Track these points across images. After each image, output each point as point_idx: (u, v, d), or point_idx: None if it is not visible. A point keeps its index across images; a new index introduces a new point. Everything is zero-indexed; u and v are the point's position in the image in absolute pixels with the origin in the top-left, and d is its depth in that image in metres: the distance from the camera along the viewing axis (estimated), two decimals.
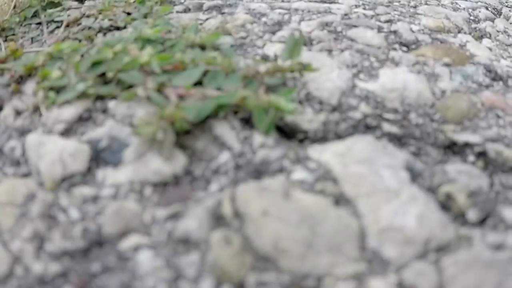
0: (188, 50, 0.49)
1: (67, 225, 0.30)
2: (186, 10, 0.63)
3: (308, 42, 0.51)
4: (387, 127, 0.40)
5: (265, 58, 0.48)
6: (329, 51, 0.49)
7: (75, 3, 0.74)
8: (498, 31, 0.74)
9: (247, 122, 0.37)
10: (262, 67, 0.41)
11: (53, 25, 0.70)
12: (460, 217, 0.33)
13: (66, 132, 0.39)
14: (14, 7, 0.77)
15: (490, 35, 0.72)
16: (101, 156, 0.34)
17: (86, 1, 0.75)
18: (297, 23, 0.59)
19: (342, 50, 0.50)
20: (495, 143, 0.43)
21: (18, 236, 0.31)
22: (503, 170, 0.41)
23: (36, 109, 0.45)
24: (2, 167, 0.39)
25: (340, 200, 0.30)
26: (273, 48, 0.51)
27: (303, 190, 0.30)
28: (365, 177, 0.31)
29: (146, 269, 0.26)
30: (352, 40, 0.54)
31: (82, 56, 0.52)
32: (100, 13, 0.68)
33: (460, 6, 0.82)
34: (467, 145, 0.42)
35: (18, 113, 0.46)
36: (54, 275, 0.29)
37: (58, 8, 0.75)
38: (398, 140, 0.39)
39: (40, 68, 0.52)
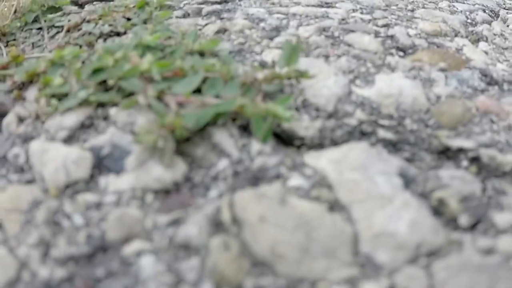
0: (188, 57, 0.50)
1: (71, 231, 0.32)
2: (185, 15, 0.65)
3: (305, 47, 0.52)
4: (382, 133, 0.41)
5: (263, 65, 0.50)
6: (326, 57, 0.51)
7: (75, 8, 0.76)
8: (494, 34, 0.75)
9: (245, 129, 0.39)
10: (260, 74, 0.43)
11: (54, 30, 0.72)
12: (452, 222, 0.35)
13: (69, 139, 0.41)
14: (15, 12, 0.78)
15: (486, 38, 0.73)
16: (104, 163, 0.36)
17: (86, 6, 0.76)
18: (295, 28, 0.60)
19: (339, 56, 0.52)
20: (489, 149, 0.44)
21: (24, 242, 0.32)
22: (496, 175, 0.42)
23: (39, 116, 0.47)
24: (7, 174, 0.41)
25: (335, 206, 0.31)
26: (271, 54, 0.52)
27: (299, 196, 0.32)
28: (360, 183, 0.33)
29: (149, 274, 0.27)
30: (349, 45, 0.55)
31: (83, 62, 0.54)
32: (100, 19, 0.69)
33: (457, 9, 0.84)
34: (461, 150, 0.43)
35: (21, 120, 0.48)
36: (60, 280, 0.30)
37: (59, 13, 0.76)
38: (393, 146, 0.41)
39: (42, 74, 0.53)
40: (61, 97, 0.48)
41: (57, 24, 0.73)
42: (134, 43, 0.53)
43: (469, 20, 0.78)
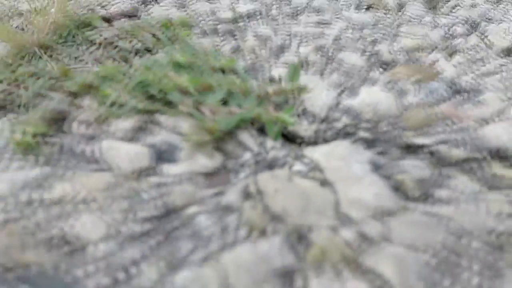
0: (212, 73, 0.71)
1: (145, 202, 0.52)
2: (204, 34, 0.85)
3: (305, 65, 0.73)
4: (361, 133, 0.62)
5: (272, 80, 0.70)
6: (321, 73, 0.71)
7: (105, 25, 0.96)
8: (469, 48, 0.96)
9: (262, 131, 0.60)
10: (270, 89, 0.64)
11: (88, 44, 0.92)
12: (407, 196, 0.56)
13: (129, 139, 0.61)
14: (51, 27, 0.98)
15: (462, 50, 0.94)
16: (161, 156, 0.56)
17: (114, 23, 0.96)
18: (296, 47, 0.81)
19: (331, 72, 0.72)
20: (444, 145, 0.65)
21: (109, 210, 0.53)
22: (449, 164, 0.63)
23: (99, 122, 0.67)
24: (77, 164, 0.61)
25: (324, 183, 0.52)
26: (278, 71, 0.73)
27: (301, 177, 0.52)
28: (342, 168, 0.53)
29: (203, 226, 0.48)
30: (340, 63, 0.76)
31: (124, 75, 0.74)
32: (130, 35, 0.89)
33: (439, 22, 1.04)
34: (422, 146, 0.64)
35: (83, 124, 0.68)
36: (140, 234, 0.51)
37: (91, 28, 0.97)
38: (369, 143, 0.62)
39: (94, 86, 0.73)
40: (114, 105, 0.68)
41: (91, 39, 0.93)
42: (167, 61, 0.73)
43: (448, 34, 0.99)
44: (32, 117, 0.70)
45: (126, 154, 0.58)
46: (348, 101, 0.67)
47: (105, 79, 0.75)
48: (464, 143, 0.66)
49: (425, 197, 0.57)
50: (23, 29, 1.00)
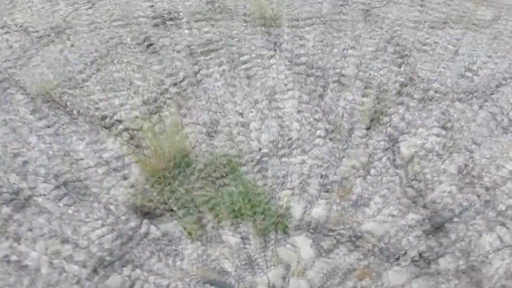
0: (257, 198, 2.44)
1: (238, 254, 2.27)
2: (248, 171, 2.55)
3: (293, 194, 2.45)
4: (311, 228, 2.35)
5: (279, 206, 2.42)
6: (299, 200, 2.43)
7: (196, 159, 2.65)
8: (380, 167, 2.67)
9: (276, 226, 2.34)
10: (278, 211, 2.36)
11: (192, 170, 2.62)
12: (322, 253, 2.29)
13: (232, 232, 2.35)
14: (167, 155, 2.67)
15: (374, 168, 2.66)
16: (244, 239, 2.30)
17: (194, 151, 2.65)
18: (291, 177, 2.52)
19: (303, 198, 2.44)
20: (342, 231, 2.40)
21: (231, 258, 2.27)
22: (342, 241, 2.38)
23: (219, 223, 2.40)
24: (222, 244, 2.35)
25: (297, 250, 2.27)
26: (282, 195, 2.45)
27: (289, 249, 2.27)
28: (302, 244, 2.28)
29: (260, 261, 2.23)
30: (308, 191, 2.48)
31: (221, 197, 2.47)
32: (210, 165, 2.60)
33: (370, 144, 2.76)
34: (333, 232, 2.38)
35: (216, 223, 2.41)
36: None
37: (188, 158, 2.67)
38: (313, 232, 2.35)
39: (211, 206, 2.47)
40: (222, 219, 2.41)
41: (192, 166, 2.64)
42: (238, 192, 2.46)
43: (371, 158, 2.70)
44: (189, 221, 2.41)
45: (232, 239, 2.31)
46: (308, 214, 2.39)
47: (213, 202, 2.47)
48: (350, 230, 2.39)
49: (334, 250, 2.30)
50: (137, 146, 2.68)
